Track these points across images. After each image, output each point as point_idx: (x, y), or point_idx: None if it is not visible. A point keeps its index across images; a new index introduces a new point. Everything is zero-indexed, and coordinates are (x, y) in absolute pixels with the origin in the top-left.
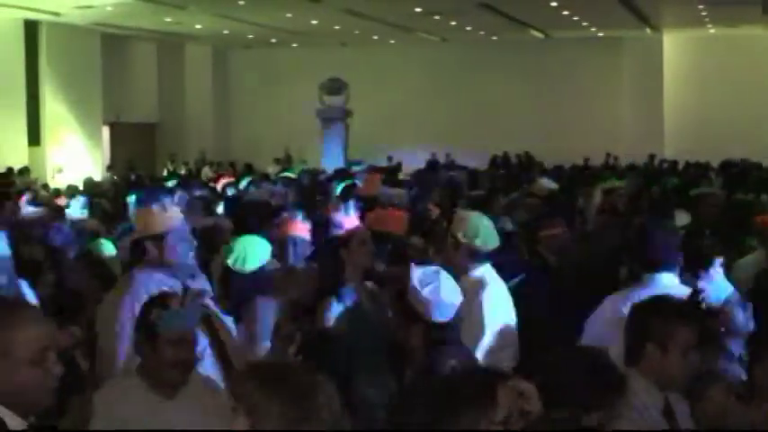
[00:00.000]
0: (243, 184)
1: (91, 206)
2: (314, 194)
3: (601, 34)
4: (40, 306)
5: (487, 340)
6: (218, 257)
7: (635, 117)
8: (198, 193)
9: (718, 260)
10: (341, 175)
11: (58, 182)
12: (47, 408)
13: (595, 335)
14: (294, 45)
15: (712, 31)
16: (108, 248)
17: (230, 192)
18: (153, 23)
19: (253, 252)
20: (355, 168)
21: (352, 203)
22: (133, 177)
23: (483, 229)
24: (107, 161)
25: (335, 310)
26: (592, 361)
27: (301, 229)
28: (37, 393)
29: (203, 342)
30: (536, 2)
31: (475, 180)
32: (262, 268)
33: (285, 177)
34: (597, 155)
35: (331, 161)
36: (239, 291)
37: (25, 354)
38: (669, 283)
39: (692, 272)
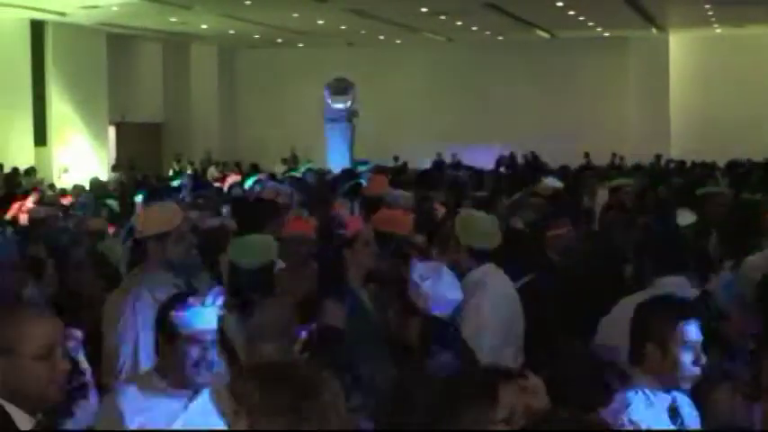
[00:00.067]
0: (248, 183)
1: (96, 206)
2: (320, 194)
3: (607, 34)
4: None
5: (487, 340)
6: (224, 256)
7: (641, 117)
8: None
9: (728, 264)
10: (347, 175)
11: (64, 182)
12: (55, 404)
13: (609, 338)
14: (300, 45)
15: (718, 30)
16: (115, 248)
17: (236, 192)
18: (159, 23)
19: (258, 248)
20: (361, 168)
21: (356, 204)
22: (139, 177)
23: (484, 230)
24: (113, 161)
25: (337, 309)
26: (594, 359)
27: (306, 227)
28: (44, 389)
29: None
30: (542, 2)
31: (479, 180)
32: (267, 265)
33: (292, 177)
34: (603, 155)
35: (337, 161)
36: (244, 287)
37: (31, 350)
38: (680, 285)
39: (698, 271)
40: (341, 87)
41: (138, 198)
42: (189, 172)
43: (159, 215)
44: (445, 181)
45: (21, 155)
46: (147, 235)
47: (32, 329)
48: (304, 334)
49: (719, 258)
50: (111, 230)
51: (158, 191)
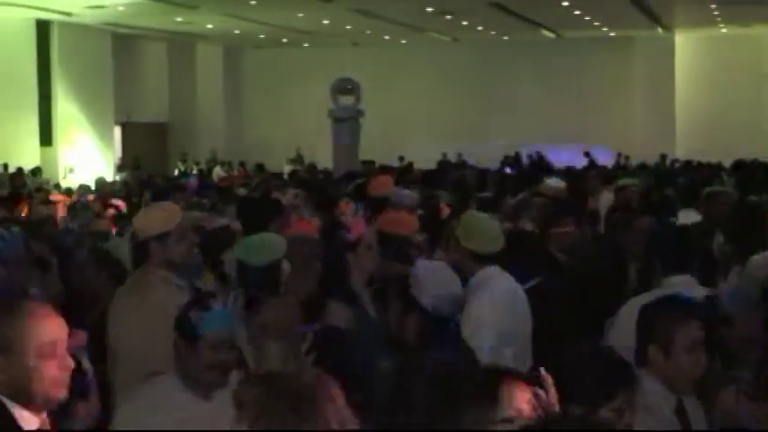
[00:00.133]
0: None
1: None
2: (326, 193)
3: (612, 34)
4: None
5: (486, 340)
6: (229, 254)
7: (646, 117)
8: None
9: (736, 269)
10: (351, 175)
11: (69, 182)
12: (60, 403)
13: (616, 339)
14: (305, 45)
15: (724, 30)
16: (121, 247)
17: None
18: (164, 23)
19: (266, 246)
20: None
21: (360, 206)
22: (144, 177)
23: (483, 233)
24: (118, 161)
25: (342, 310)
26: (600, 357)
27: (309, 228)
28: (48, 388)
29: None
30: (547, 1)
31: (483, 180)
32: (275, 264)
33: (297, 177)
34: (608, 155)
35: (342, 161)
36: (251, 285)
37: (35, 348)
38: (687, 285)
39: (703, 271)
40: (346, 87)
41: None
42: (194, 172)
43: (159, 215)
44: (450, 181)
45: (26, 155)
46: (149, 236)
47: (36, 327)
48: (311, 335)
49: (725, 259)
50: (113, 230)
51: (165, 191)
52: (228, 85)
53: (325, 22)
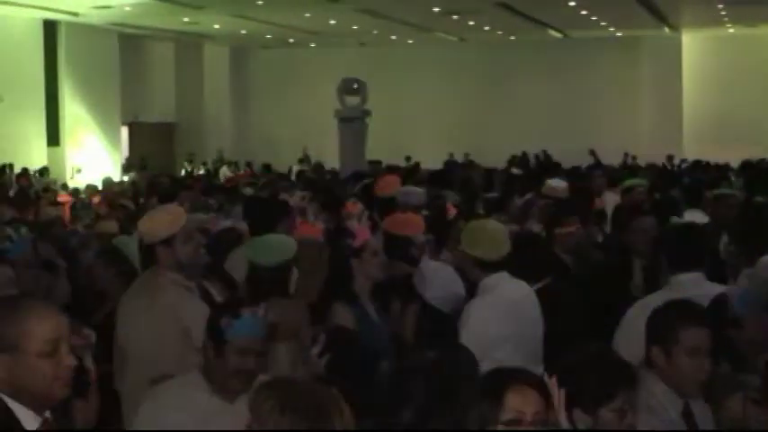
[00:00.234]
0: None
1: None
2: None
3: (619, 34)
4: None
5: (476, 349)
6: (234, 255)
7: (653, 117)
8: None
9: (746, 271)
10: (357, 176)
11: (77, 182)
12: (62, 401)
13: (626, 340)
14: (312, 45)
15: (731, 30)
16: (130, 245)
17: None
18: (171, 23)
19: (276, 247)
20: None
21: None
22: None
23: (488, 240)
24: (125, 161)
25: (346, 312)
26: (600, 358)
27: (314, 231)
28: (49, 386)
29: None
30: (554, 1)
31: (490, 180)
32: (284, 265)
33: (305, 178)
34: (615, 155)
35: (349, 161)
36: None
37: (36, 347)
38: (696, 283)
39: (709, 272)
40: (352, 87)
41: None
42: (201, 172)
43: (163, 219)
44: (457, 181)
45: (34, 155)
46: (155, 241)
47: (37, 326)
48: (323, 337)
49: (731, 259)
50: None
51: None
52: (235, 85)
53: (332, 22)
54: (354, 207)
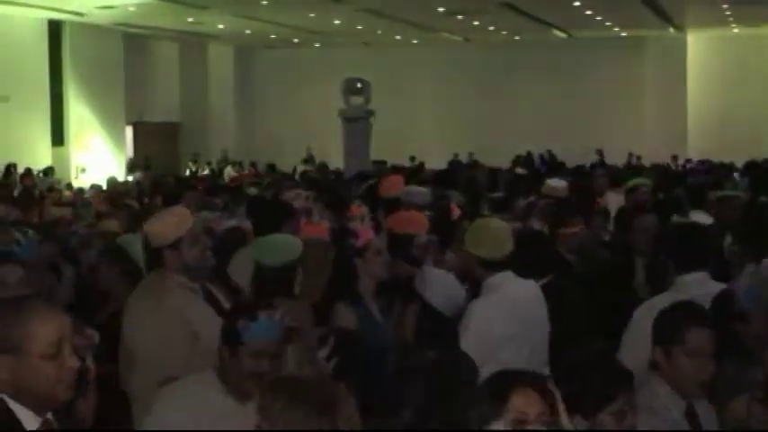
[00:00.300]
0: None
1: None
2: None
3: (624, 34)
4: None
5: (468, 346)
6: (245, 257)
7: (658, 117)
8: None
9: (750, 266)
10: (362, 177)
11: (81, 182)
12: (64, 403)
13: (633, 340)
14: (317, 45)
15: (736, 30)
16: (134, 244)
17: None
18: (175, 23)
19: (282, 247)
20: None
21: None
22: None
23: (491, 239)
24: (128, 161)
25: (349, 313)
26: (598, 361)
27: (320, 231)
28: (52, 388)
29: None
30: (559, 1)
31: (494, 180)
32: (289, 265)
33: (308, 178)
34: (619, 155)
35: (353, 161)
36: (266, 286)
37: (39, 348)
38: (702, 283)
39: (714, 272)
40: (356, 87)
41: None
42: (206, 172)
43: (170, 222)
44: (462, 181)
45: (38, 155)
46: (162, 244)
47: (40, 327)
48: (332, 339)
49: (735, 259)
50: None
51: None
52: (240, 85)
53: (337, 22)
54: (359, 210)
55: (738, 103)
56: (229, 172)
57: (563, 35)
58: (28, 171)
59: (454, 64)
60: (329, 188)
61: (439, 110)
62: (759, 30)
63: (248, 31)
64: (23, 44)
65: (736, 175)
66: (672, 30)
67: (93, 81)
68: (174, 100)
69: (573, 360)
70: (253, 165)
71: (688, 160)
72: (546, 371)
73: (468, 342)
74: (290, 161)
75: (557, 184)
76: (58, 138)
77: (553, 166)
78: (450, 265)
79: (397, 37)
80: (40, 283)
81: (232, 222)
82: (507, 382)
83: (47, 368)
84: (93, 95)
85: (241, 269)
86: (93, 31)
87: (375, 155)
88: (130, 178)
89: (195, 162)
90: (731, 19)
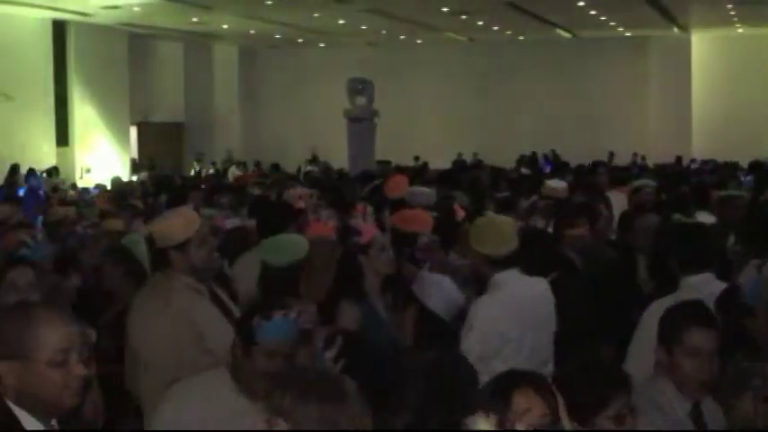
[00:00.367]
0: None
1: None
2: (339, 193)
3: (628, 34)
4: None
5: (472, 344)
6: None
7: (662, 117)
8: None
9: (754, 262)
10: (366, 177)
11: (86, 182)
12: (71, 409)
13: (641, 341)
14: (321, 45)
15: (741, 30)
16: (140, 246)
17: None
18: (179, 23)
19: (288, 247)
20: None
21: (371, 211)
22: (159, 177)
23: (495, 236)
24: (131, 162)
25: (353, 311)
26: (593, 366)
27: (326, 230)
28: (59, 395)
29: None
30: (563, 1)
31: (497, 180)
32: (295, 265)
33: (311, 177)
34: (624, 155)
35: (358, 161)
36: (272, 286)
37: (47, 356)
38: (708, 283)
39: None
40: (360, 87)
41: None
42: (211, 171)
43: (178, 223)
44: (466, 181)
45: (43, 155)
46: (169, 245)
47: (48, 335)
48: (339, 339)
49: (737, 259)
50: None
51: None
52: (244, 85)
53: (341, 21)
54: (362, 208)
55: (743, 102)
56: (234, 172)
57: (567, 35)
58: (31, 171)
59: (458, 64)
60: (333, 187)
61: (443, 110)
62: (763, 30)
63: (253, 32)
64: (28, 44)
65: (742, 175)
66: (676, 30)
67: (98, 81)
68: (178, 100)
69: (565, 369)
70: (257, 165)
71: (692, 160)
72: (546, 370)
73: (472, 340)
74: (294, 161)
75: (556, 185)
76: (62, 138)
77: (557, 165)
78: (453, 267)
79: (402, 37)
80: (47, 284)
81: (236, 222)
82: (510, 382)
83: (54, 375)
84: (98, 96)
85: (246, 273)
86: (97, 31)
87: (379, 155)
88: (134, 178)
89: (200, 162)
90: (736, 19)
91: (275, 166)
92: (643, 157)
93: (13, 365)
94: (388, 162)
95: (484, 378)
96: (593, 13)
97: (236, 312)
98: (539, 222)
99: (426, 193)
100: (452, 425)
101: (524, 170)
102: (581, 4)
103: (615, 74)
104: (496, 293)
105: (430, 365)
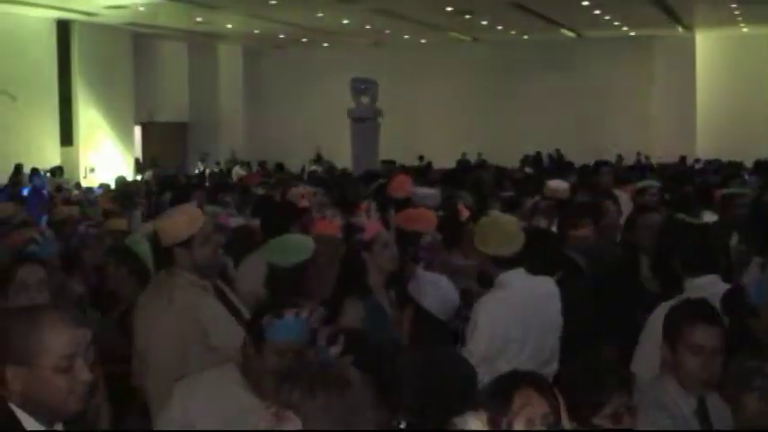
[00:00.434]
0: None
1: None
2: (346, 193)
3: (633, 33)
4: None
5: (478, 346)
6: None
7: (667, 116)
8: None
9: (757, 260)
10: (370, 176)
11: (90, 181)
12: (75, 414)
13: (648, 341)
14: (325, 45)
15: (745, 29)
16: (143, 245)
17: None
18: (184, 23)
19: (294, 247)
20: None
21: (374, 207)
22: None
23: (499, 236)
24: (134, 162)
25: (357, 309)
26: (591, 364)
27: (332, 228)
28: (64, 400)
29: None
30: (567, 1)
31: (500, 179)
32: (300, 265)
33: (316, 177)
34: (628, 154)
35: (362, 161)
36: (278, 286)
37: (52, 361)
38: (714, 285)
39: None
40: (363, 87)
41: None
42: (215, 170)
43: (182, 220)
44: (470, 181)
45: (47, 155)
46: (173, 243)
47: (54, 340)
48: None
49: (741, 259)
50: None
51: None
52: (248, 84)
53: (345, 21)
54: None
55: (747, 102)
56: (238, 171)
57: (572, 34)
58: (35, 171)
59: (463, 64)
60: (337, 186)
61: (447, 109)
62: None
63: (257, 31)
64: (32, 44)
65: (746, 175)
66: (681, 29)
67: (102, 81)
68: (182, 100)
69: (565, 369)
70: (261, 164)
71: (696, 160)
72: (550, 369)
73: (477, 340)
74: (298, 161)
75: (557, 185)
76: (66, 138)
77: (560, 165)
78: (454, 266)
79: (406, 37)
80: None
81: (240, 221)
82: (511, 382)
83: (59, 381)
84: (102, 95)
85: (250, 273)
86: (101, 31)
87: (383, 154)
88: (139, 178)
89: (204, 162)
90: (740, 18)
91: (279, 166)
92: (647, 157)
93: (18, 371)
94: (393, 162)
95: (487, 378)
96: (597, 12)
97: (243, 309)
98: (541, 222)
99: (432, 195)
100: (449, 424)
101: (528, 170)
102: (585, 3)
103: (619, 73)
104: (500, 293)
105: (426, 364)
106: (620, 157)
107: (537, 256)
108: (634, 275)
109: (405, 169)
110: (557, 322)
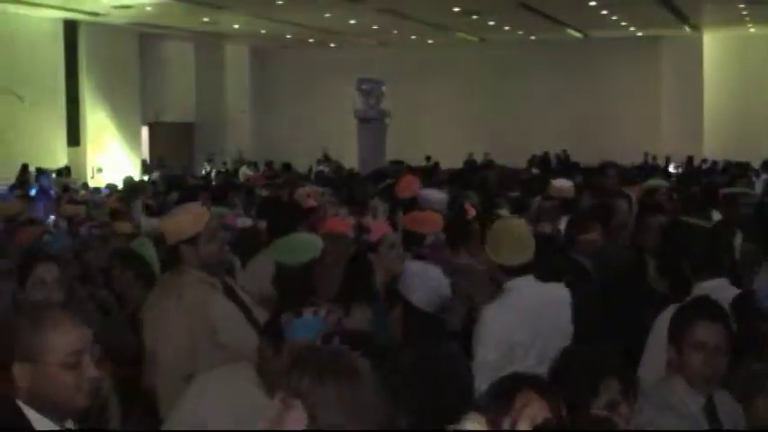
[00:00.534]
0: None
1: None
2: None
3: (640, 34)
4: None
5: (486, 356)
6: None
7: (674, 117)
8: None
9: (766, 264)
10: (378, 176)
11: (98, 182)
12: (83, 411)
13: (655, 342)
14: (332, 45)
15: (753, 30)
16: (149, 249)
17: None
18: (190, 23)
19: (301, 246)
20: None
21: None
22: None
23: (509, 245)
24: (142, 162)
25: (364, 311)
26: (586, 353)
27: (344, 226)
28: (71, 397)
29: None
30: (574, 1)
31: (506, 180)
32: (307, 264)
33: (323, 177)
34: (635, 155)
35: (369, 161)
36: (285, 285)
37: (58, 358)
38: (723, 288)
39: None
40: (369, 87)
41: (173, 197)
42: (221, 171)
43: (187, 218)
44: (476, 181)
45: (54, 155)
46: (179, 240)
47: (61, 337)
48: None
49: (746, 259)
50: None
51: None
52: (255, 85)
53: (352, 22)
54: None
55: (755, 102)
56: (245, 172)
57: (578, 35)
58: (39, 171)
59: (469, 64)
60: (345, 186)
61: (454, 110)
62: None
63: (264, 31)
64: (39, 44)
65: (753, 175)
66: (688, 29)
67: (109, 81)
68: (189, 100)
69: (561, 357)
70: (268, 165)
71: (704, 160)
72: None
73: (488, 348)
74: (305, 161)
75: (562, 184)
76: (73, 138)
77: (566, 166)
78: (455, 266)
79: (413, 37)
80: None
81: (247, 221)
82: (513, 384)
83: (66, 377)
84: (109, 96)
85: (258, 274)
86: (108, 31)
87: (390, 155)
88: (146, 178)
89: (210, 162)
90: (748, 18)
91: (287, 166)
92: (654, 157)
93: (25, 368)
94: (401, 162)
95: None
96: (604, 12)
97: (252, 306)
98: (546, 228)
99: (439, 200)
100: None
101: (535, 170)
102: (592, 3)
103: (627, 74)
104: (505, 299)
105: (426, 363)
106: (647, 156)
107: (543, 261)
108: (642, 278)
109: (412, 169)
110: (567, 329)
